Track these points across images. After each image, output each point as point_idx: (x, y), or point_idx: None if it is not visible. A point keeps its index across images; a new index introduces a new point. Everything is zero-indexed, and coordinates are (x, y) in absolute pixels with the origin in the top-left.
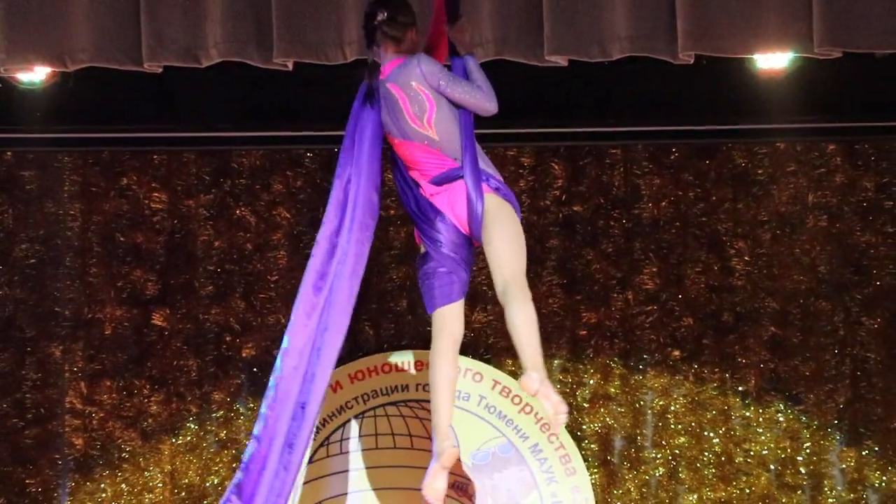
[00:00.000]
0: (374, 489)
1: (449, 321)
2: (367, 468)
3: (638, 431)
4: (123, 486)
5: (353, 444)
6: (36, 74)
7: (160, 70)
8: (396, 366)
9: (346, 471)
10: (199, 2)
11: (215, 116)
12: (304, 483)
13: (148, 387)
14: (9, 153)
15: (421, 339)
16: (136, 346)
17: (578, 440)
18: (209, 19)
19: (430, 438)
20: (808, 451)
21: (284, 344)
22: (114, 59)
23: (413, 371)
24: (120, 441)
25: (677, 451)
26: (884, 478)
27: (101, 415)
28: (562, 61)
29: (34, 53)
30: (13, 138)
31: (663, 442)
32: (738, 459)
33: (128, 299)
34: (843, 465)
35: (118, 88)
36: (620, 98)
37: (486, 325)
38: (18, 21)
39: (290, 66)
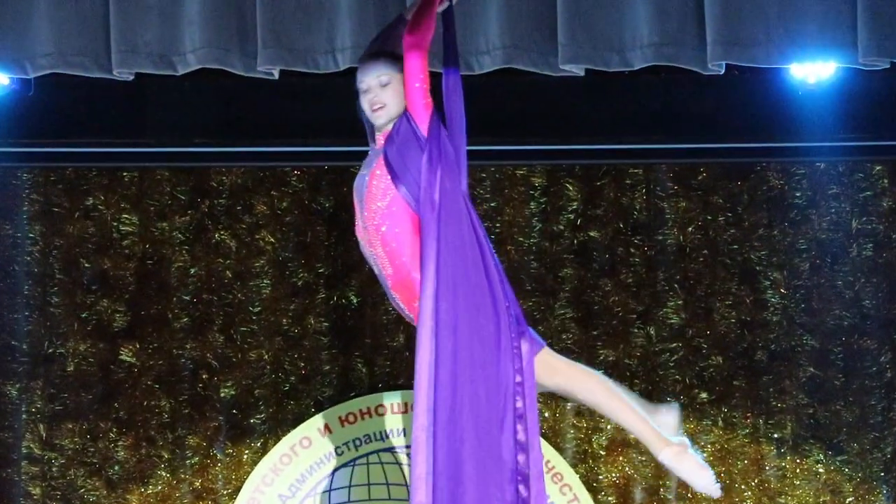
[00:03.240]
0: None
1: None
2: None
3: (661, 482)
4: None
5: (343, 496)
6: None
7: (131, 78)
8: (392, 407)
9: None
10: (175, 2)
11: (192, 130)
12: None
13: (115, 430)
14: None
15: None
16: (102, 384)
17: (594, 491)
18: (187, 22)
19: None
20: None
21: None
22: (80, 65)
23: (411, 414)
24: (83, 490)
25: None
26: None
27: (62, 461)
28: (578, 71)
29: None
30: None
31: (689, 494)
32: None
33: (93, 332)
34: None
35: (84, 98)
36: (642, 112)
37: None
38: None
39: (276, 75)
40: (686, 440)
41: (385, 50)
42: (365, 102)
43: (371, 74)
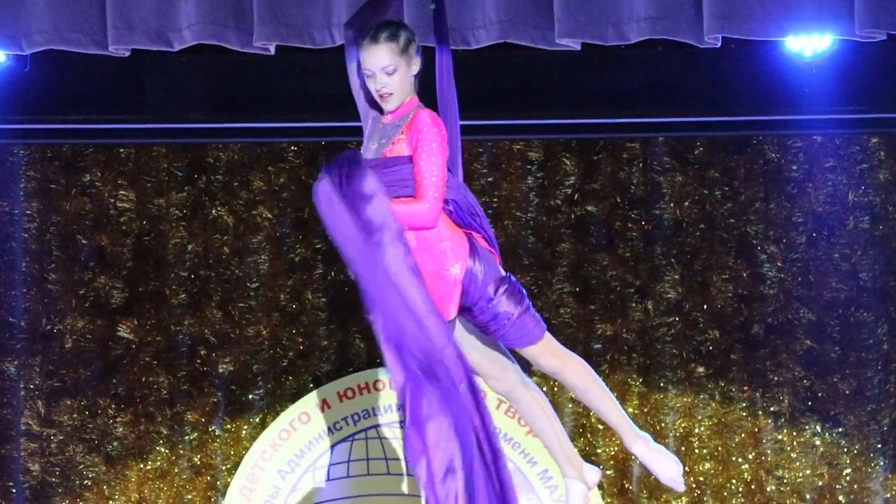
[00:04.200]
0: None
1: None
2: (357, 497)
3: None
4: None
5: (342, 470)
6: None
7: (127, 54)
8: (390, 383)
9: (334, 500)
10: None
11: (189, 106)
12: None
13: (113, 406)
14: None
15: None
16: (100, 360)
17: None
18: None
19: None
20: (847, 478)
21: None
22: (75, 42)
23: None
24: (81, 467)
25: (702, 479)
26: None
27: (61, 437)
28: (574, 45)
29: None
30: None
31: (686, 468)
32: (770, 488)
33: (91, 309)
34: (888, 494)
35: (80, 74)
36: (639, 86)
37: None
38: None
39: (272, 51)
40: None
41: (391, 32)
42: (370, 84)
43: (377, 62)
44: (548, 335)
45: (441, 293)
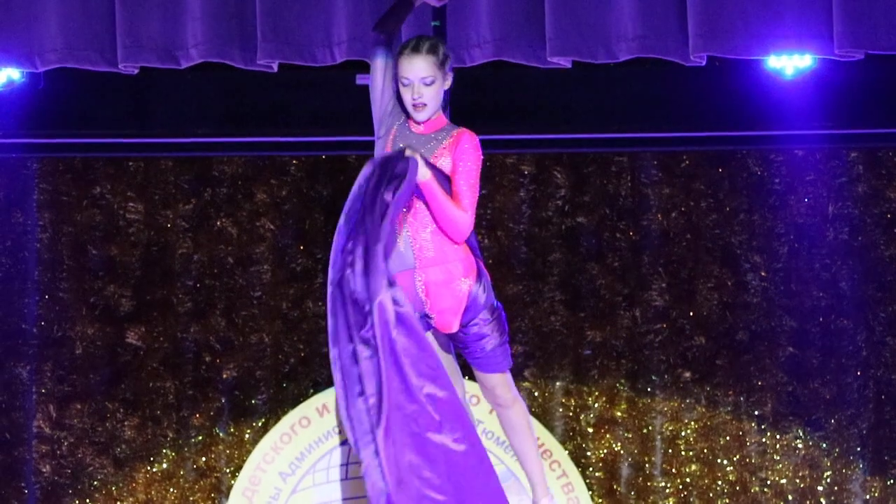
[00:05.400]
0: None
1: None
2: (356, 498)
3: (646, 458)
4: None
5: (342, 473)
6: (2, 75)
7: (136, 71)
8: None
9: (334, 501)
10: None
11: (195, 121)
12: None
13: (121, 410)
14: None
15: None
16: (109, 366)
17: (582, 468)
18: (189, 17)
19: None
20: (828, 480)
21: None
22: (86, 60)
23: None
24: (91, 468)
25: (688, 480)
26: None
27: (71, 440)
28: (565, 63)
29: (1, 53)
30: None
31: (673, 470)
32: (754, 489)
33: (100, 316)
34: (867, 496)
35: (91, 91)
36: (627, 102)
37: None
38: None
39: (275, 68)
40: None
41: (432, 45)
42: (405, 93)
43: (417, 72)
44: (509, 371)
45: (449, 305)
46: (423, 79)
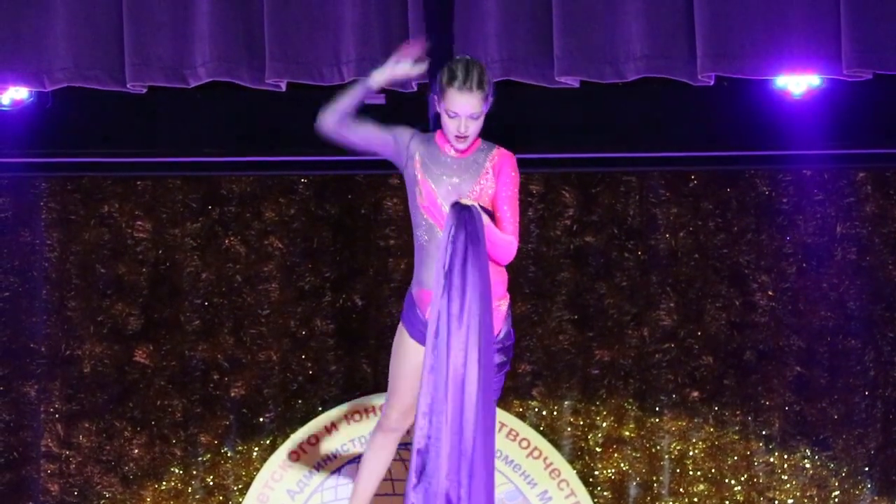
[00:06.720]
0: None
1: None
2: None
3: (654, 478)
4: None
5: (349, 491)
6: (11, 95)
7: (144, 90)
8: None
9: None
10: (186, 18)
11: (203, 140)
12: None
13: (129, 429)
14: None
15: None
16: (117, 384)
17: (590, 487)
18: (197, 37)
19: None
20: (836, 499)
21: None
22: (95, 79)
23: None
24: (99, 487)
25: (696, 500)
26: None
27: (79, 459)
28: (573, 82)
29: (9, 72)
30: None
31: (681, 490)
32: None
33: (108, 335)
34: None
35: (99, 110)
36: (635, 122)
37: None
38: None
39: (283, 87)
40: None
41: (479, 78)
42: (451, 124)
43: (466, 108)
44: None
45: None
46: (471, 114)
